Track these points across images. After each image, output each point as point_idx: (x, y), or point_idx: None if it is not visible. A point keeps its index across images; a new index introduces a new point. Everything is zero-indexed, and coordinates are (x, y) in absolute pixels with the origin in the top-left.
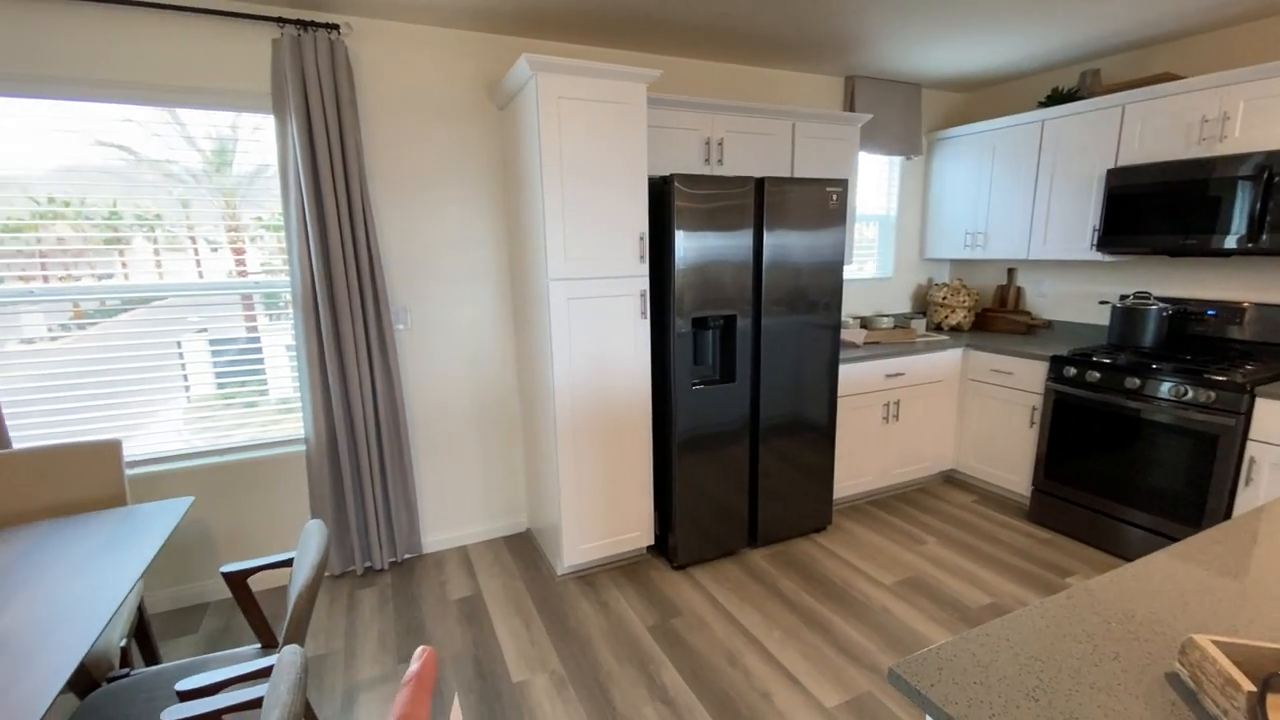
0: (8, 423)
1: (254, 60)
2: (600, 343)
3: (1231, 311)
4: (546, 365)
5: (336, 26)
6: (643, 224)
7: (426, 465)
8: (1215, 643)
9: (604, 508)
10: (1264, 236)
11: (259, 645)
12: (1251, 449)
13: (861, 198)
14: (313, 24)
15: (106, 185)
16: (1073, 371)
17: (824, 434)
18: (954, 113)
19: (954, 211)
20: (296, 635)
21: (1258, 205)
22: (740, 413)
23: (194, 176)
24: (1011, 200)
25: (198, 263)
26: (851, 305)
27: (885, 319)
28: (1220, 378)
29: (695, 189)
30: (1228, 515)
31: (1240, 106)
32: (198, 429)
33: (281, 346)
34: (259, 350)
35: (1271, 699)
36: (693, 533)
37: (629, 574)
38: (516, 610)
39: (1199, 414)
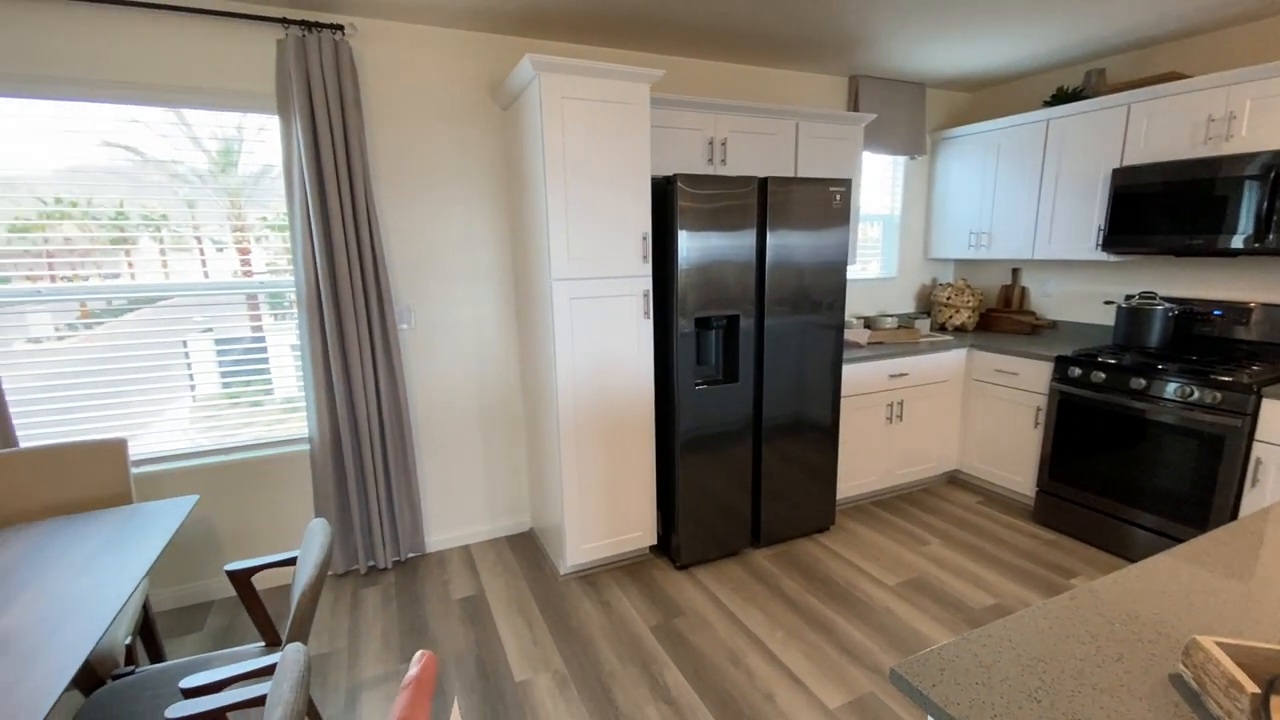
0: (15, 421)
1: (259, 61)
2: (603, 343)
3: (1238, 312)
4: (549, 365)
5: (341, 27)
6: (646, 224)
7: (430, 465)
8: (1219, 644)
9: (607, 507)
10: (1271, 236)
11: (263, 643)
12: (1258, 450)
13: (865, 197)
14: (317, 25)
15: (113, 185)
16: (1078, 372)
17: (827, 434)
18: (958, 112)
19: (958, 211)
20: (300, 633)
21: (1264, 205)
22: (743, 413)
23: (200, 177)
24: (1016, 200)
25: (203, 263)
26: (855, 305)
27: (889, 319)
28: (1226, 378)
29: (698, 189)
30: (1233, 517)
31: (1247, 106)
32: (203, 428)
33: (286, 346)
34: (264, 350)
35: (1275, 701)
36: (695, 533)
37: (632, 574)
38: (519, 610)
39: (1205, 415)
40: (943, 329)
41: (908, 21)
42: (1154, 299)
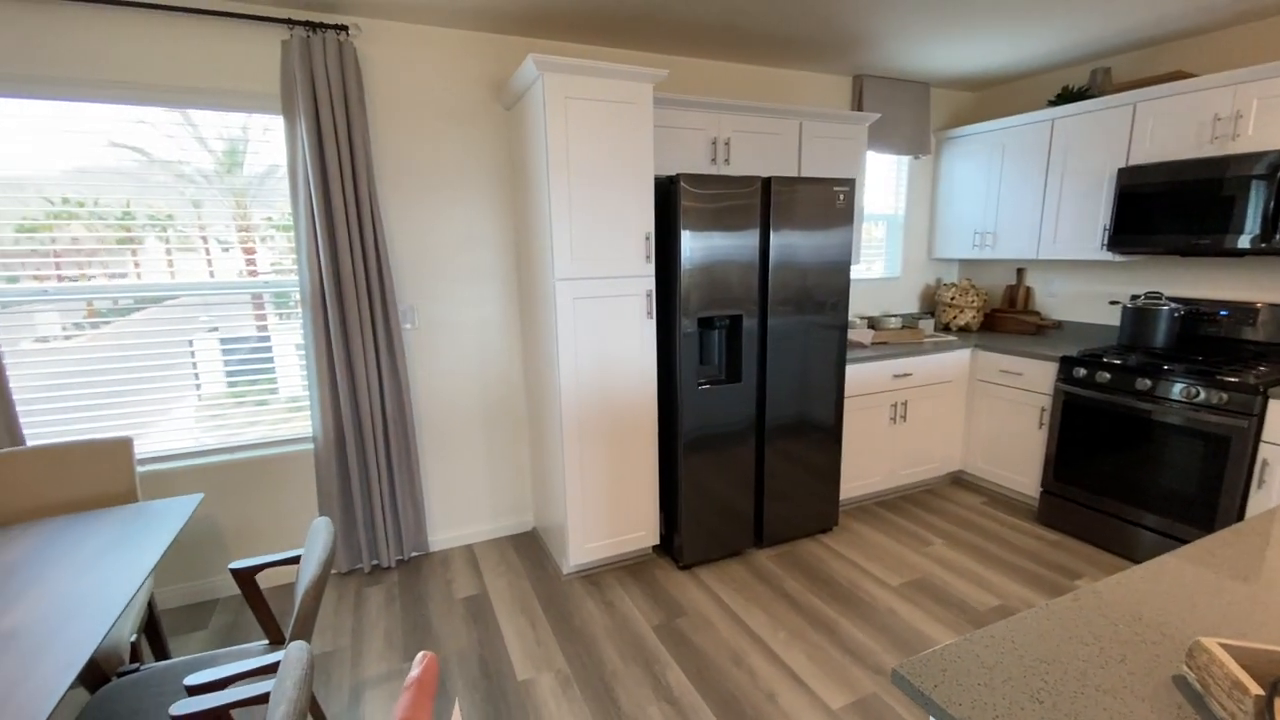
0: (21, 420)
1: (264, 61)
2: (606, 342)
3: (1244, 312)
4: (552, 365)
5: (345, 28)
6: (649, 224)
7: (433, 464)
8: (1223, 646)
9: (610, 507)
10: (1278, 236)
11: (267, 641)
12: (1264, 451)
13: (869, 197)
14: (322, 25)
15: (120, 186)
16: (1083, 372)
17: (830, 434)
18: (963, 112)
19: (963, 211)
20: (303, 631)
21: (1271, 204)
22: (746, 413)
23: (205, 177)
24: (1021, 200)
25: (209, 262)
26: (859, 305)
27: (893, 319)
28: (1233, 379)
29: (701, 189)
30: (1240, 518)
31: (1254, 105)
32: (208, 427)
33: (291, 345)
34: (269, 349)
35: (1279, 703)
36: (698, 533)
37: (634, 574)
38: (522, 609)
39: (1211, 415)
40: (947, 329)
41: (912, 21)
42: (1160, 299)
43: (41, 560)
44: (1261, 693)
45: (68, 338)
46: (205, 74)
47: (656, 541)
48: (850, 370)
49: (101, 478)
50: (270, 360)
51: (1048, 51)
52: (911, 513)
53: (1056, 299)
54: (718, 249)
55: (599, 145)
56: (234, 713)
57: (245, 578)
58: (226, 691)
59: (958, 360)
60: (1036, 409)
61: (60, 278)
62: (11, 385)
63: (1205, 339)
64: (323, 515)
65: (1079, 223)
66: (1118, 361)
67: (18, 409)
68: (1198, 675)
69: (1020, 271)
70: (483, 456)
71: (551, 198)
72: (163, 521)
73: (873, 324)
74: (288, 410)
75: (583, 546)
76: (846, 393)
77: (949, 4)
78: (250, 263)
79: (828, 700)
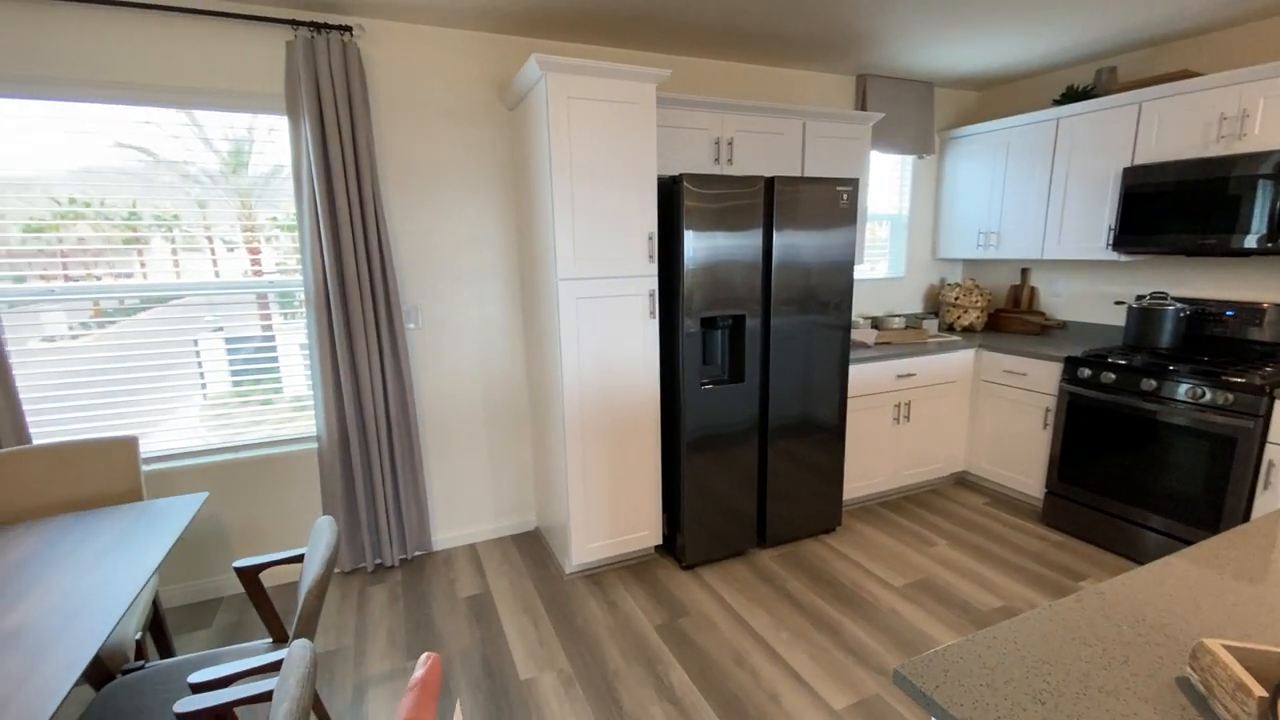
0: (28, 419)
1: (268, 62)
2: (609, 342)
3: (1251, 312)
4: (555, 364)
5: (349, 28)
6: (652, 224)
7: (436, 463)
8: (1227, 647)
9: (612, 507)
10: None
11: (270, 640)
12: (1270, 452)
13: (873, 197)
14: (326, 26)
15: (126, 186)
16: (1087, 373)
17: (834, 434)
18: (967, 111)
19: (967, 211)
20: (306, 630)
21: (1278, 204)
22: (749, 413)
23: (211, 177)
24: (1025, 199)
25: (214, 262)
26: (862, 305)
27: (897, 319)
28: (1239, 380)
29: (705, 189)
30: (1245, 519)
31: (1260, 104)
32: (213, 426)
33: (296, 345)
34: (274, 349)
35: None
36: (701, 533)
37: (637, 573)
38: (525, 608)
39: (1217, 416)
40: (951, 329)
41: (916, 20)
42: (1165, 299)
43: (47, 558)
44: (1265, 694)
45: (74, 337)
46: (210, 75)
47: (659, 541)
48: (853, 370)
49: (107, 477)
50: (275, 360)
51: (1052, 51)
52: (915, 513)
53: (1061, 299)
54: (721, 249)
55: (602, 145)
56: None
57: (249, 576)
58: (230, 689)
59: (962, 360)
60: (1041, 409)
61: (67, 277)
62: (18, 384)
63: (1211, 339)
64: (326, 514)
65: (1084, 222)
66: (1123, 362)
67: (24, 408)
68: (1201, 677)
69: (1025, 271)
70: (486, 456)
71: (554, 197)
72: (167, 520)
73: (876, 324)
74: (292, 410)
75: (585, 546)
76: (850, 393)
77: (953, 3)
78: (255, 263)
79: (830, 701)
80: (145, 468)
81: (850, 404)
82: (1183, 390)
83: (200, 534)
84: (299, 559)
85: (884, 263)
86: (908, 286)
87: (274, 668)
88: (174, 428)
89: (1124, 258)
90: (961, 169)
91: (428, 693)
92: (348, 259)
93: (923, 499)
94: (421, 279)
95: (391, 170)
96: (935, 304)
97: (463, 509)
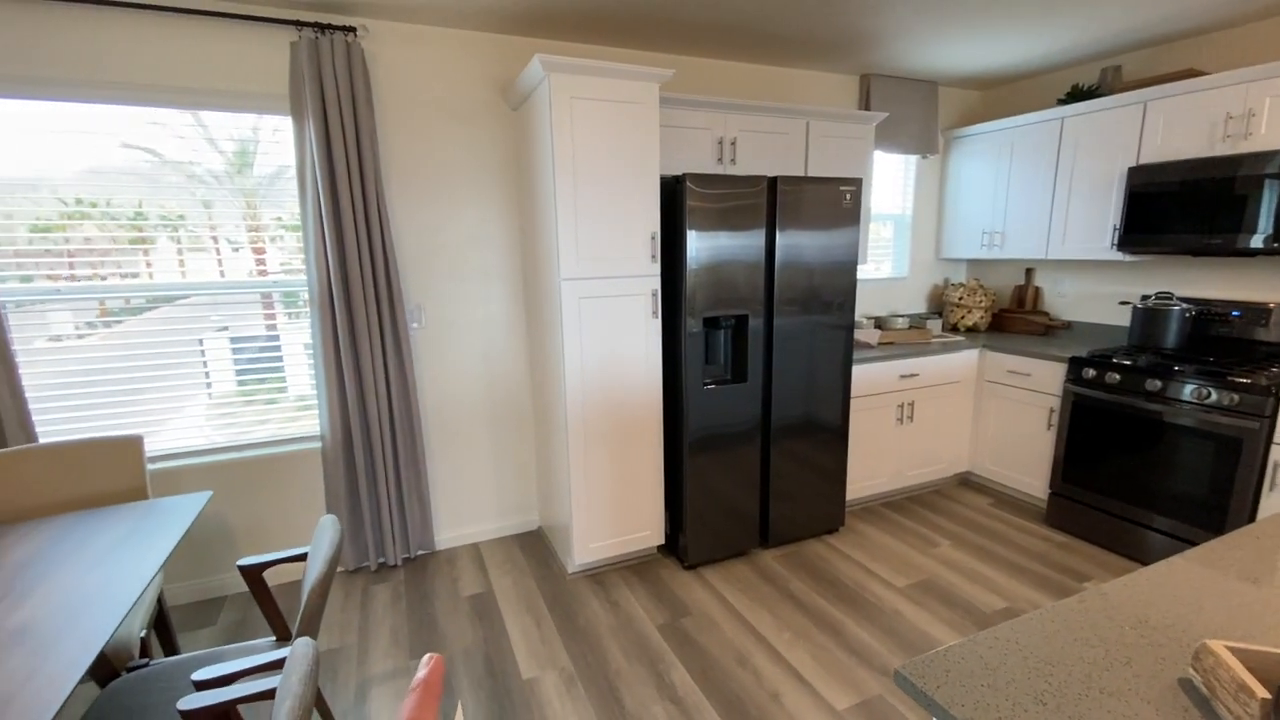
0: (34, 418)
1: (273, 63)
2: (612, 342)
3: (1257, 313)
4: (558, 364)
5: (353, 29)
6: (655, 224)
7: (439, 463)
8: (1230, 649)
9: (615, 507)
10: None
11: (274, 638)
12: (1276, 453)
13: (877, 197)
14: (330, 27)
15: (132, 186)
16: (1092, 373)
17: (837, 435)
18: (971, 111)
19: (971, 211)
20: (309, 628)
21: None
22: (752, 413)
23: (216, 178)
24: (1030, 199)
25: (219, 262)
26: (866, 305)
27: (900, 319)
28: (1245, 380)
29: (708, 188)
30: (1251, 521)
31: (1266, 103)
32: (218, 425)
33: (301, 345)
34: (278, 348)
35: None
36: (703, 533)
37: (639, 573)
38: (527, 608)
39: (1222, 417)
40: (955, 329)
41: (920, 20)
42: (1170, 299)
43: (53, 556)
44: (1268, 696)
45: (80, 337)
46: (215, 75)
47: (661, 541)
48: (857, 370)
49: (112, 475)
50: (280, 359)
51: (1057, 50)
52: (918, 514)
53: (1065, 299)
54: (724, 249)
55: (605, 145)
56: (241, 708)
57: (253, 575)
58: (233, 687)
59: (965, 361)
60: (1045, 410)
61: (73, 277)
62: (25, 383)
63: (1217, 340)
64: (330, 513)
65: (1089, 222)
66: (1128, 362)
67: (30, 407)
68: (1204, 678)
69: (1029, 271)
70: (489, 455)
71: (557, 197)
72: (172, 519)
73: (879, 324)
74: (297, 409)
75: (588, 546)
76: (853, 393)
77: (957, 3)
78: (260, 262)
79: (832, 701)
80: (150, 467)
81: (853, 404)
82: (1188, 391)
83: (205, 533)
84: (302, 558)
85: (887, 263)
86: (911, 286)
87: (277, 666)
88: (179, 427)
89: (1129, 258)
90: (965, 169)
91: (430, 693)
92: (351, 259)
93: (926, 499)
94: (425, 279)
95: (395, 170)
96: (939, 304)
97: (466, 508)
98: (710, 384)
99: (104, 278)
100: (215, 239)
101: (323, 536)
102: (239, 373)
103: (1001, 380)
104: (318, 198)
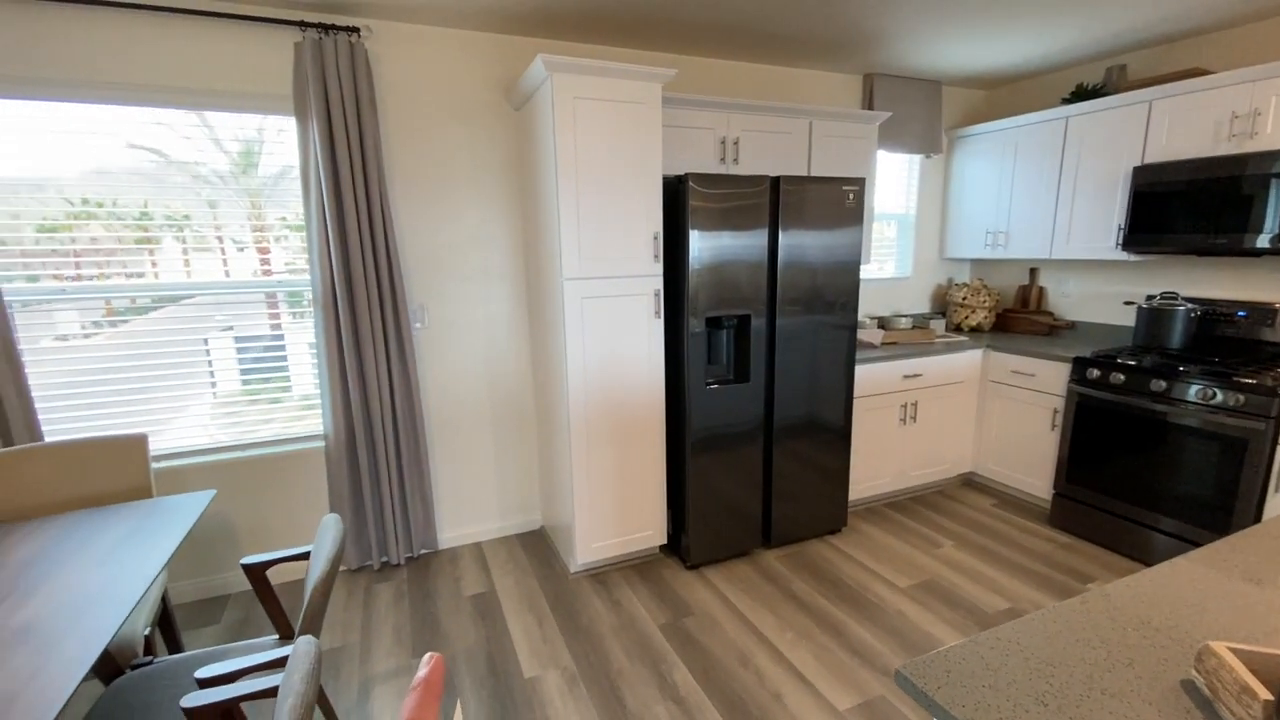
0: (40, 417)
1: (277, 64)
2: (614, 342)
3: (1263, 313)
4: (561, 364)
5: (357, 29)
6: (657, 223)
7: (442, 462)
8: (1233, 650)
9: (617, 506)
10: None
11: (277, 636)
12: None
13: (880, 197)
14: (333, 27)
15: (138, 186)
16: (1096, 373)
17: (840, 435)
18: (975, 110)
19: (974, 210)
20: (312, 627)
21: None
22: (754, 413)
23: (221, 178)
24: (1034, 199)
25: (224, 262)
26: (869, 305)
27: (903, 319)
28: (1250, 381)
29: (710, 188)
30: (1256, 521)
31: (1272, 102)
32: (223, 424)
33: (305, 344)
34: (283, 348)
35: None
36: (706, 533)
37: (641, 573)
38: (529, 607)
39: (1227, 418)
40: (958, 329)
41: (923, 19)
42: (1175, 299)
43: (57, 555)
44: (1271, 698)
45: (86, 336)
46: (220, 76)
47: (664, 541)
48: (860, 370)
49: (117, 474)
50: (284, 359)
51: (1062, 49)
52: (921, 514)
53: (1070, 299)
54: (726, 249)
55: (607, 145)
56: (244, 706)
57: (256, 573)
58: (236, 685)
59: (969, 361)
60: (1049, 410)
61: (79, 277)
62: (31, 382)
63: (1222, 340)
64: (333, 512)
65: (1093, 222)
66: (1132, 363)
67: (36, 405)
68: (1206, 680)
69: (1033, 271)
70: (491, 455)
71: (560, 197)
72: (176, 517)
73: (883, 324)
74: (300, 408)
75: (590, 545)
76: (856, 393)
77: (960, 2)
78: (265, 262)
79: (835, 701)
80: (155, 465)
81: (856, 404)
82: (1193, 391)
83: (208, 531)
84: (305, 556)
85: (891, 262)
86: (915, 286)
87: (279, 664)
88: (184, 426)
89: (1134, 257)
90: (969, 168)
91: (430, 693)
92: (355, 259)
93: (929, 500)
94: (428, 279)
95: (398, 170)
96: (942, 304)
97: (468, 508)
98: (713, 384)
99: (109, 277)
100: (220, 239)
101: (326, 535)
102: (243, 372)
103: (1005, 380)
104: (321, 198)
